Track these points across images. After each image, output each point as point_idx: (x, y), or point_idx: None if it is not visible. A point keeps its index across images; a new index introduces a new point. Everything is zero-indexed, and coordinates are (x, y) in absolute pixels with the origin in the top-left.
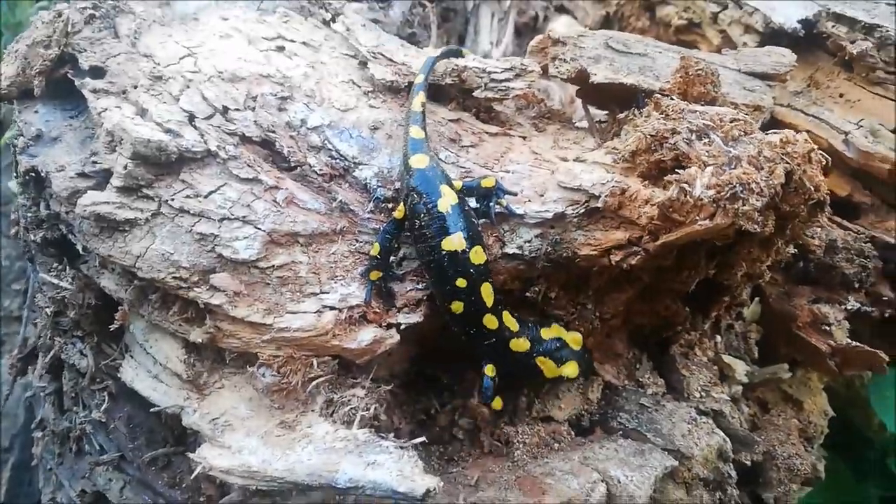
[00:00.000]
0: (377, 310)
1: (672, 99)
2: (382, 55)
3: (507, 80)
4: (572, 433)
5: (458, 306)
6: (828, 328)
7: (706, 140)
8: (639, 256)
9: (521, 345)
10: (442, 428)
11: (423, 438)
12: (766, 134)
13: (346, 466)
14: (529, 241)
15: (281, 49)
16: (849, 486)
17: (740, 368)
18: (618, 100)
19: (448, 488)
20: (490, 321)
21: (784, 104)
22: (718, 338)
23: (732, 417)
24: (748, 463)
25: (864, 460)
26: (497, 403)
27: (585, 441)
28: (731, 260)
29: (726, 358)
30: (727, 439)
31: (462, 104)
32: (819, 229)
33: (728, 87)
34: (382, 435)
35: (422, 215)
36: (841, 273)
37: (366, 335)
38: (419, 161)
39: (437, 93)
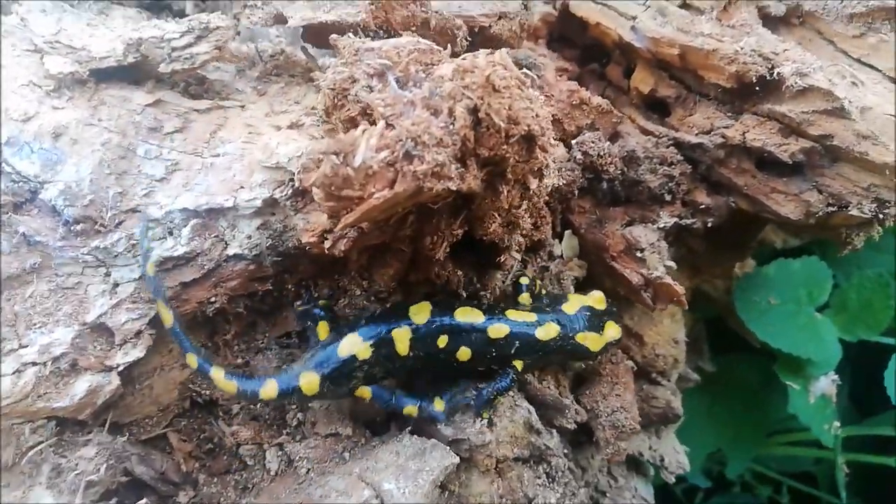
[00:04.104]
0: (92, 353)
1: (350, 37)
2: (61, 43)
3: (190, 45)
4: (367, 435)
5: (464, 353)
6: (641, 254)
7: (383, 85)
8: (346, 239)
9: (549, 331)
10: (231, 455)
11: (144, 501)
12: (449, 64)
13: None
14: (250, 237)
15: None
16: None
17: None
18: None
19: None
20: (497, 331)
21: None
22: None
23: (542, 381)
24: (570, 427)
25: (755, 370)
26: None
27: (377, 444)
28: (477, 215)
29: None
30: (532, 409)
31: (169, 79)
32: (607, 143)
33: None
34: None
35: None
36: (647, 187)
37: (80, 387)
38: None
39: (128, 74)
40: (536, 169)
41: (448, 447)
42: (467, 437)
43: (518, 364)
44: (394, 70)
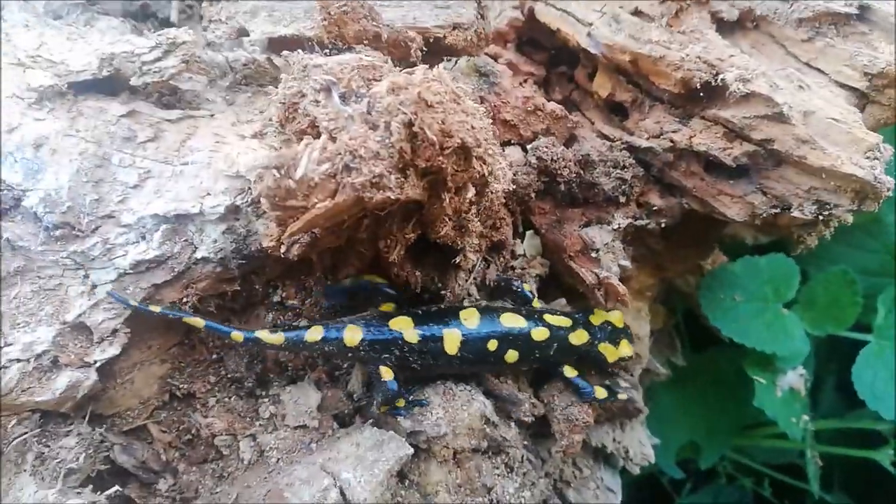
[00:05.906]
0: (72, 350)
1: (300, 53)
2: (42, 57)
3: (158, 59)
4: (334, 427)
5: (512, 356)
6: (596, 254)
7: (328, 100)
8: (298, 244)
9: (580, 337)
10: (208, 445)
11: (115, 488)
12: (386, 81)
13: None
14: (216, 241)
15: None
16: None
17: None
18: None
19: None
20: (539, 334)
21: None
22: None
23: (499, 377)
24: (528, 420)
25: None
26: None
27: (342, 435)
28: (427, 219)
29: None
30: (487, 403)
31: (143, 90)
32: (561, 148)
33: (415, 10)
34: (79, 490)
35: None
36: (602, 189)
37: (61, 382)
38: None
39: (104, 86)
40: (478, 176)
41: (405, 439)
42: (424, 430)
43: (568, 370)
44: (338, 86)
